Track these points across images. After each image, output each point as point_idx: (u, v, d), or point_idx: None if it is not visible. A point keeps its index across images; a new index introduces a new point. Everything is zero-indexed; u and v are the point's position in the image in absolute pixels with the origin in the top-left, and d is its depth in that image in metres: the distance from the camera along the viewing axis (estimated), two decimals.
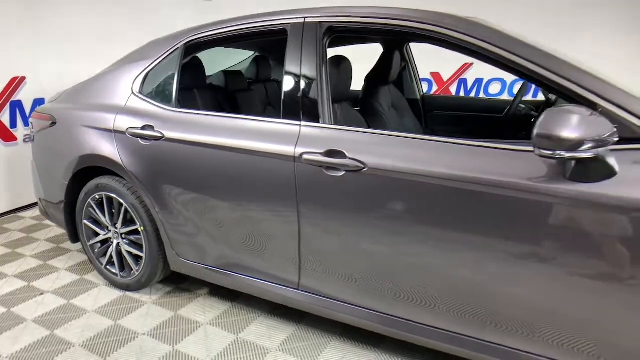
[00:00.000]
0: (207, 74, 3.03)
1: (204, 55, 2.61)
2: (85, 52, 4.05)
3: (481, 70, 5.65)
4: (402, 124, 2.72)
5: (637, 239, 1.23)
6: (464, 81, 5.75)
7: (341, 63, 2.05)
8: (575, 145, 1.16)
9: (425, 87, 5.66)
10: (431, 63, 5.67)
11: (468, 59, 5.66)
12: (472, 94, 5.77)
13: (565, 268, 1.34)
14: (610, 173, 1.25)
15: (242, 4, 4.92)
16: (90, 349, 1.99)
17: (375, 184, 1.57)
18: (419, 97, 3.17)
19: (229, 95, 2.95)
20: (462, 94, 5.77)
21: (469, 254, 1.47)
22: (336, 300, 1.82)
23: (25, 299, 2.41)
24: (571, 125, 1.16)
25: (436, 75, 5.78)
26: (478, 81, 5.72)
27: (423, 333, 1.65)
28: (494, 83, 5.69)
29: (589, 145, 1.17)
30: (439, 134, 1.57)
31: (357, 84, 2.57)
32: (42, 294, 2.47)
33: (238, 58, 3.88)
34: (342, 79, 2.07)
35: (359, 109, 2.58)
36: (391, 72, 2.66)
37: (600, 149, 1.20)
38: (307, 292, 1.88)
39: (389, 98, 2.70)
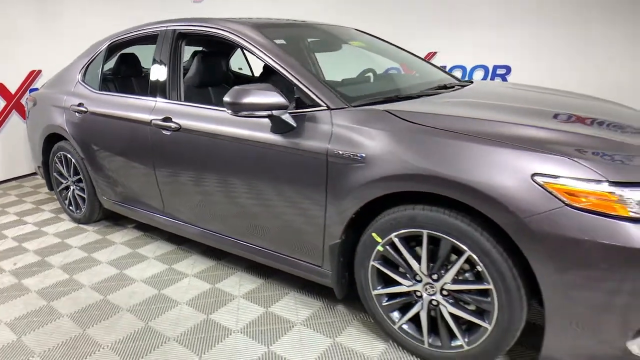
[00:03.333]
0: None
1: None
2: None
3: (444, 58, 6.10)
4: None
5: (309, 170, 1.90)
6: None
7: (206, 58, 2.80)
8: (250, 108, 1.87)
9: None
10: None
11: (432, 48, 6.14)
12: None
13: (273, 191, 2.05)
14: (289, 127, 1.95)
15: (228, 5, 5.79)
16: (39, 253, 2.95)
17: (186, 138, 2.36)
18: None
19: None
20: None
21: (228, 184, 2.21)
22: (185, 222, 2.63)
23: (13, 226, 3.45)
24: (249, 96, 1.86)
25: (403, 66, 6.28)
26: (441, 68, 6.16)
27: (222, 240, 2.42)
28: (456, 70, 6.11)
29: (264, 108, 1.87)
30: None
31: None
32: (25, 224, 3.50)
33: None
34: (208, 70, 2.80)
35: None
36: None
37: (275, 111, 1.90)
38: (168, 217, 2.71)
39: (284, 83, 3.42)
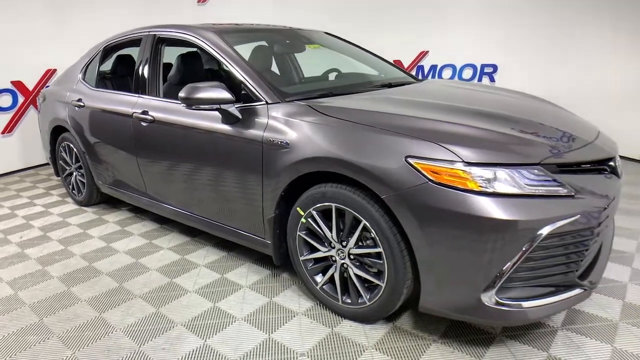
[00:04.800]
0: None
1: None
2: None
3: (435, 57, 6.35)
4: None
5: (250, 155, 2.25)
6: (422, 67, 6.47)
7: (187, 59, 3.18)
8: (201, 102, 2.22)
9: None
10: (393, 52, 6.45)
11: (424, 47, 6.39)
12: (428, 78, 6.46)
13: (224, 172, 2.40)
14: (235, 119, 2.30)
15: (231, 7, 6.19)
16: (42, 229, 3.41)
17: (159, 129, 2.74)
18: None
19: None
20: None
21: (191, 168, 2.58)
22: (161, 202, 3.02)
23: (25, 207, 3.93)
24: (200, 92, 2.22)
25: (398, 63, 6.55)
26: (433, 67, 6.42)
27: (190, 217, 2.80)
28: (446, 68, 6.35)
29: (213, 102, 2.22)
30: None
31: None
32: (34, 205, 3.98)
33: None
34: (188, 69, 3.18)
35: None
36: None
37: (222, 105, 2.25)
38: (149, 198, 3.11)
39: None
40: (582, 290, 1.80)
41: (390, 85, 2.78)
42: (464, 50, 6.18)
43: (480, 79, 6.19)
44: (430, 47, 6.36)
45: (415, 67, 6.52)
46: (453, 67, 6.33)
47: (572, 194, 1.72)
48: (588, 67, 5.19)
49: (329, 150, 1.92)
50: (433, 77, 6.49)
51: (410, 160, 1.72)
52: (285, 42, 3.33)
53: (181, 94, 2.26)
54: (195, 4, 6.29)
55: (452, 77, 6.35)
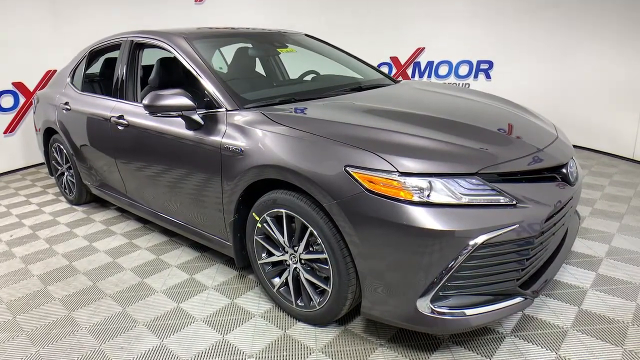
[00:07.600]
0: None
1: None
2: None
3: (431, 54, 6.30)
4: None
5: (210, 160, 2.31)
6: (418, 64, 6.43)
7: (167, 62, 3.24)
8: (164, 109, 2.28)
9: (385, 70, 6.48)
10: (390, 49, 6.43)
11: (420, 44, 6.35)
12: (425, 76, 6.43)
13: (187, 176, 2.47)
14: (198, 125, 2.36)
15: (228, 5, 6.24)
16: (32, 228, 3.55)
17: (132, 133, 2.83)
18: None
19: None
20: (416, 76, 6.46)
21: (157, 170, 2.66)
22: (139, 203, 3.11)
23: (20, 206, 4.09)
24: (163, 99, 2.28)
25: (395, 60, 6.53)
26: (429, 64, 6.37)
27: (163, 219, 2.88)
28: (443, 65, 6.30)
29: (175, 109, 2.29)
30: None
31: None
32: (30, 204, 4.13)
33: None
34: (168, 73, 3.26)
35: None
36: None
37: (185, 112, 2.31)
38: (129, 199, 3.21)
39: None
40: (524, 299, 1.81)
41: (360, 89, 2.81)
42: (460, 47, 6.12)
43: (476, 76, 6.11)
44: (426, 43, 6.31)
45: (412, 64, 6.48)
46: (449, 63, 6.27)
47: (514, 202, 1.73)
48: (583, 65, 5.08)
49: (276, 158, 1.96)
50: (430, 74, 6.44)
51: (349, 170, 1.75)
52: (263, 45, 3.37)
53: (144, 102, 2.32)
54: (193, 3, 6.36)
55: (448, 74, 6.30)
